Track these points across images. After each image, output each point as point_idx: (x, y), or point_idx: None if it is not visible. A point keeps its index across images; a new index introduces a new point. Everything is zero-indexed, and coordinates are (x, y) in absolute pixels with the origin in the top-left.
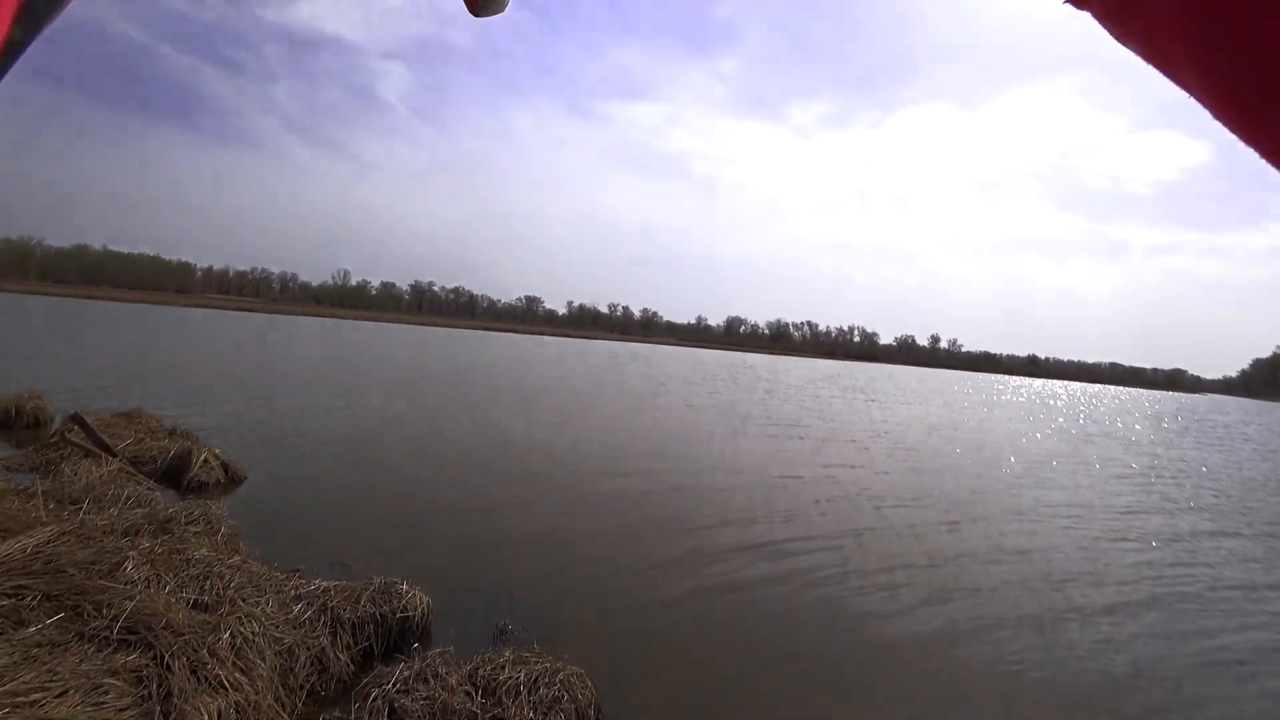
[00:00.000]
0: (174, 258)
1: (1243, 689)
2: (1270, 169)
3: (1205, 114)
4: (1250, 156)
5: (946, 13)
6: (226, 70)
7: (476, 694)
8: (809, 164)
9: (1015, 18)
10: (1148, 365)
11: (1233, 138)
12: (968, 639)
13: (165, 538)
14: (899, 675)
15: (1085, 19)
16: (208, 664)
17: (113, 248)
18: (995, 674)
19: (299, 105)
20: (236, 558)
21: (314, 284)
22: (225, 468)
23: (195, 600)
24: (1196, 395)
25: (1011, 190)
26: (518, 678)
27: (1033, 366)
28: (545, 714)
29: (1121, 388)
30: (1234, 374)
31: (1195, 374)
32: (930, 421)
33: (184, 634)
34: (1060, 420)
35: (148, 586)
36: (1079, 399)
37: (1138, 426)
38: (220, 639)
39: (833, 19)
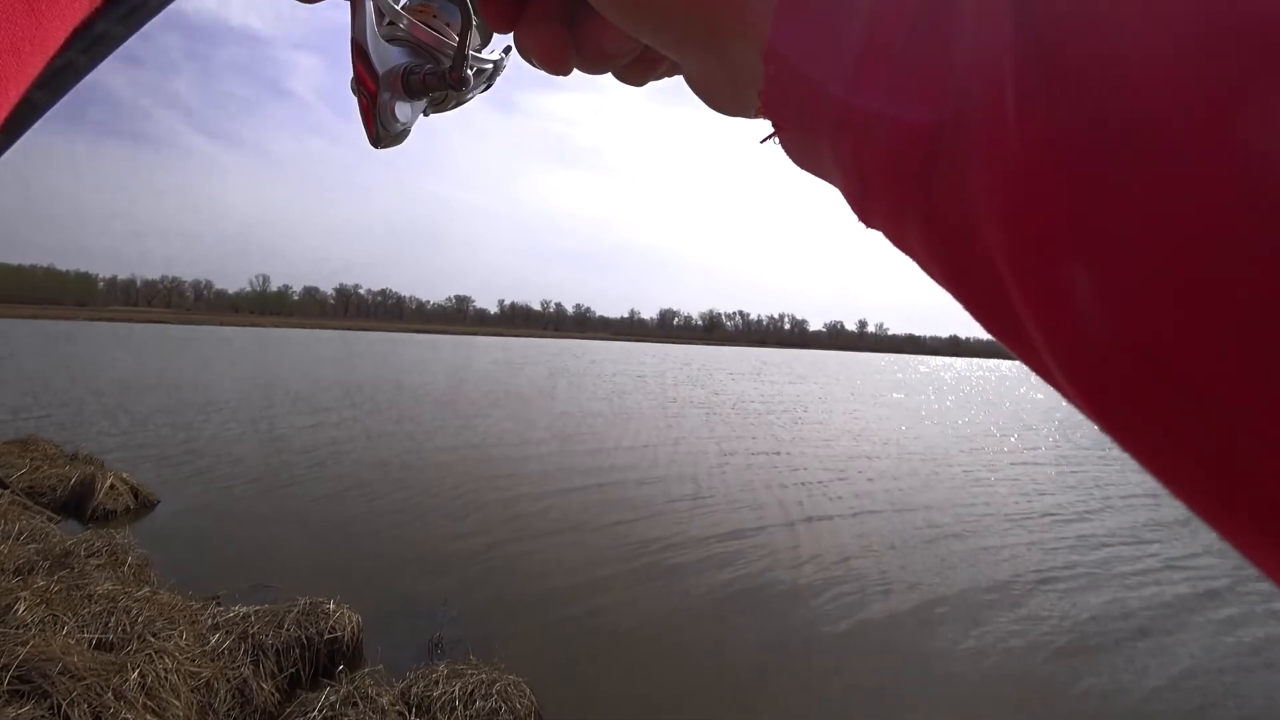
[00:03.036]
0: (71, 268)
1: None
2: None
3: None
4: None
5: None
6: (120, 61)
7: (410, 713)
8: (735, 152)
9: None
10: None
11: None
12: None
13: (63, 573)
14: (849, 674)
15: None
16: (113, 708)
17: None
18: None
19: (203, 100)
20: (145, 589)
21: (231, 291)
22: (135, 493)
23: (99, 640)
24: None
25: None
26: (453, 692)
27: (955, 346)
28: None
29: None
30: None
31: None
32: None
33: (85, 678)
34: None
35: (43, 629)
36: (969, 378)
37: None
38: (127, 679)
39: None
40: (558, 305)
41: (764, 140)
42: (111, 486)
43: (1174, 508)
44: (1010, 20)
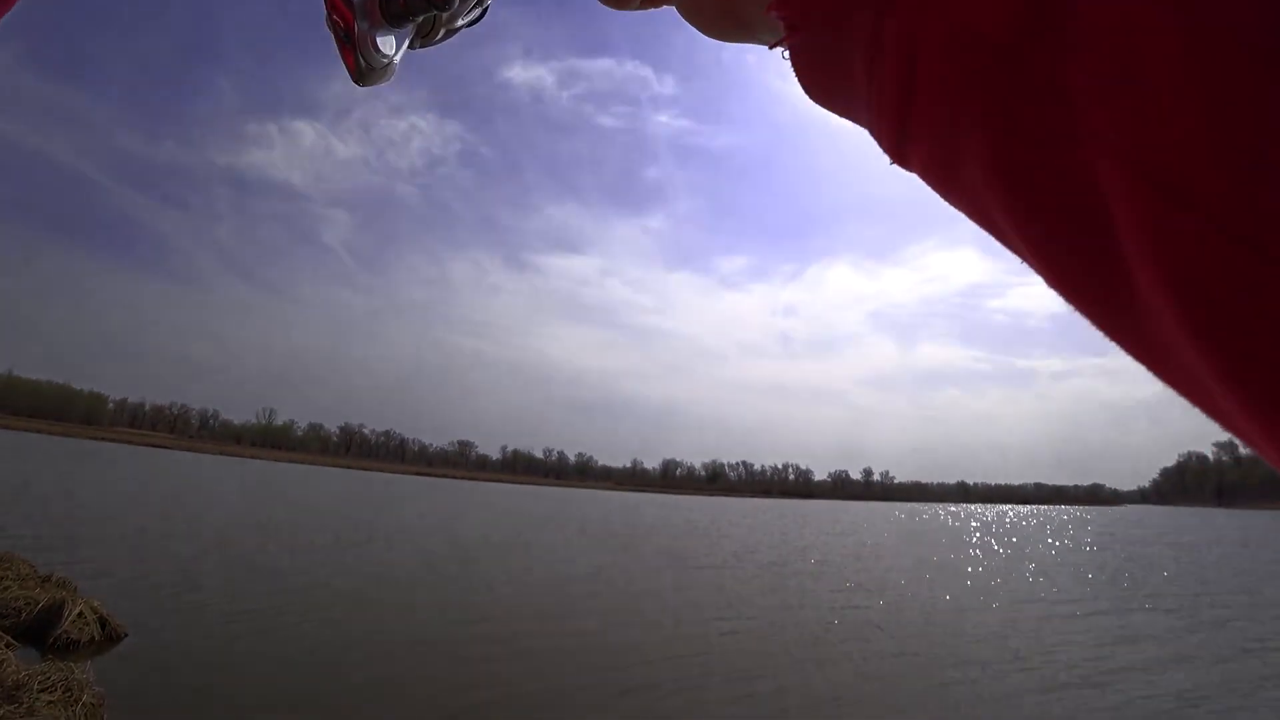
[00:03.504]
0: (86, 387)
1: None
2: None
3: None
4: None
5: (853, 176)
6: (170, 206)
7: None
8: (735, 311)
9: (912, 180)
10: (1069, 483)
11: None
12: None
13: (10, 707)
14: None
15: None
16: None
17: (18, 374)
18: None
19: (240, 245)
20: None
21: (236, 422)
22: (103, 623)
23: None
24: (1114, 507)
25: (923, 330)
26: None
27: (962, 493)
28: None
29: (1047, 506)
30: (1147, 484)
31: (1113, 487)
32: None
33: None
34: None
35: None
36: (990, 522)
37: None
38: None
39: (751, 179)
40: (560, 453)
41: (774, 46)
42: (80, 615)
43: None
44: None
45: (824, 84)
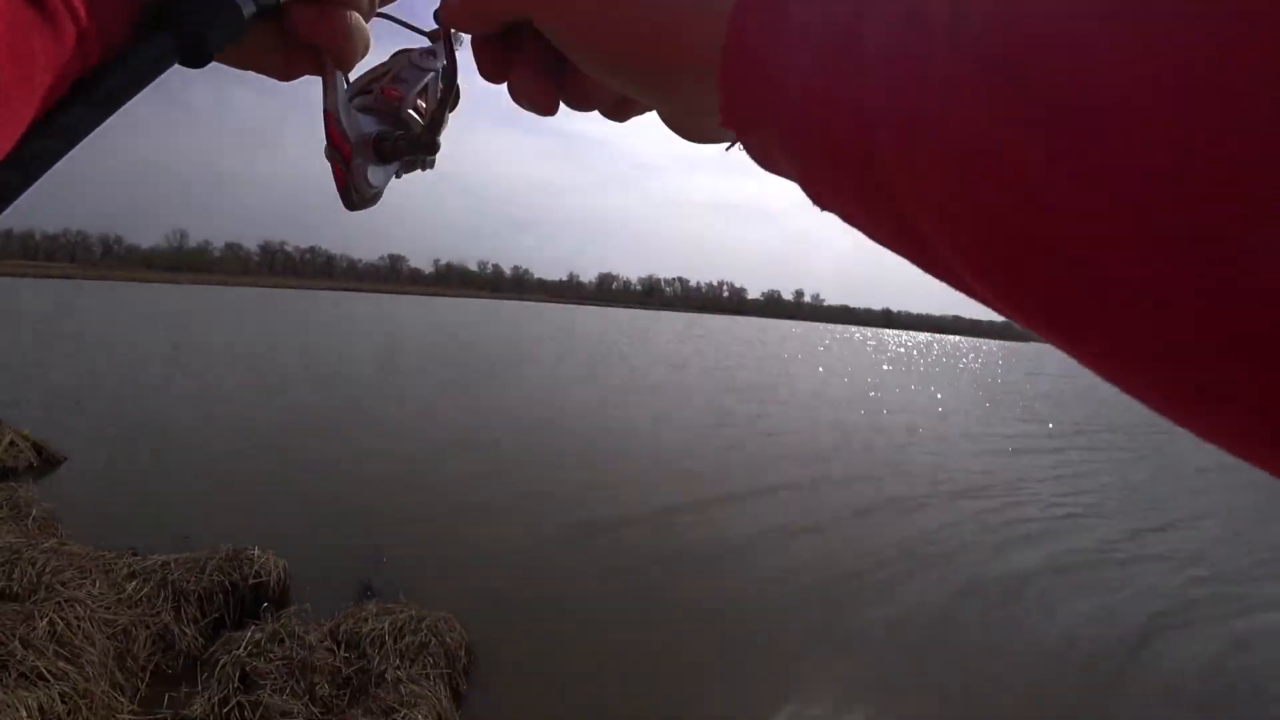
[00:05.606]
0: None
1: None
2: None
3: None
4: None
5: None
6: None
7: (339, 649)
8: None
9: None
10: (984, 318)
11: None
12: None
13: None
14: (794, 628)
15: None
16: (19, 656)
17: None
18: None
19: None
20: (52, 541)
21: (144, 247)
22: (38, 450)
23: (2, 590)
24: (1021, 343)
25: None
26: (382, 628)
27: (886, 319)
28: (413, 660)
29: (961, 337)
30: None
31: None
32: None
33: None
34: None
35: None
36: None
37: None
38: (35, 628)
39: None
40: (495, 266)
41: (729, 148)
42: (11, 443)
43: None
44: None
45: (765, 165)
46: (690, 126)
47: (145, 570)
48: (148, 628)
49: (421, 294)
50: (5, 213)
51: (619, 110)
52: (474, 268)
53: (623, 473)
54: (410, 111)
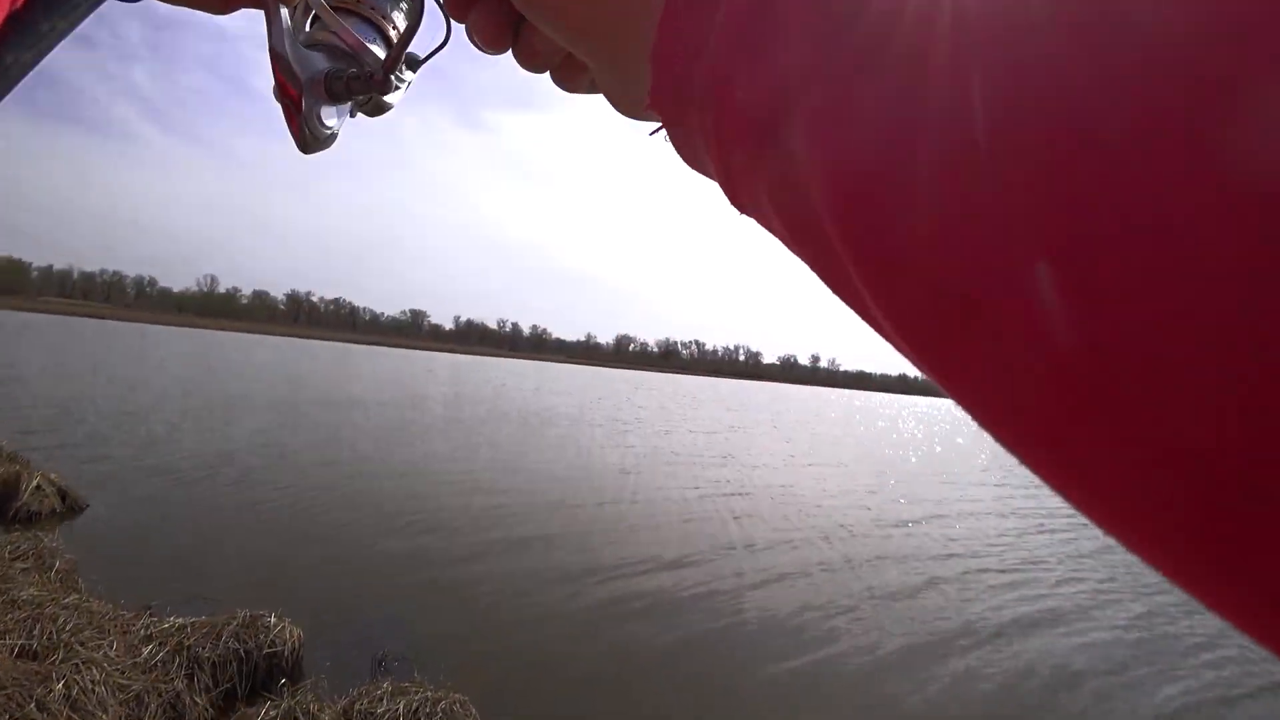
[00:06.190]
0: (2, 253)
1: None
2: None
3: None
4: None
5: None
6: (76, 44)
7: None
8: (697, 183)
9: None
10: None
11: None
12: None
13: None
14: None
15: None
16: (36, 719)
17: None
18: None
19: (162, 92)
20: (74, 596)
21: (176, 290)
22: (62, 495)
23: (21, 647)
24: None
25: None
26: (397, 709)
27: (904, 384)
28: None
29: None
30: None
31: None
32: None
33: (6, 687)
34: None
35: None
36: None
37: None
38: (52, 690)
39: None
40: (514, 325)
41: (653, 134)
42: (38, 487)
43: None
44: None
45: (688, 160)
46: (626, 100)
47: (162, 634)
48: (160, 695)
49: (441, 350)
50: (45, 249)
51: (565, 75)
52: (493, 325)
53: (653, 548)
54: (373, 47)
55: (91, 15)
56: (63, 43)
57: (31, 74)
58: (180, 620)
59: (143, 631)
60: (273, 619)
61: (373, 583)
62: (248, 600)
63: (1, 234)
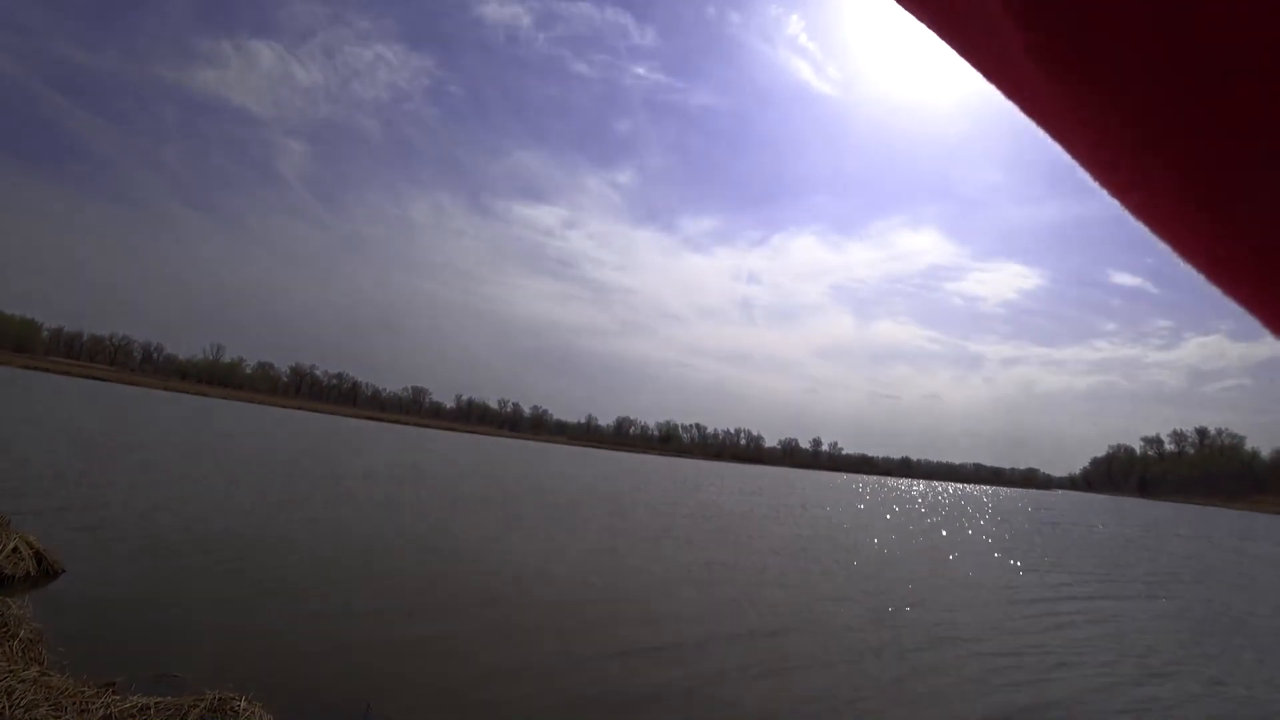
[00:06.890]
0: (16, 313)
1: None
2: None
3: (1038, 244)
4: (1078, 283)
5: (825, 148)
6: (112, 121)
7: None
8: (699, 273)
9: (881, 158)
10: (1007, 465)
11: (1062, 267)
12: None
13: None
14: None
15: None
16: None
17: None
18: None
19: (189, 169)
20: (34, 669)
21: (181, 357)
22: (39, 559)
23: None
24: (1047, 491)
25: (882, 307)
26: None
27: (906, 467)
28: None
29: (984, 485)
30: (1077, 471)
31: (1047, 472)
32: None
33: None
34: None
35: None
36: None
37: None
38: None
39: (724, 142)
40: (515, 405)
41: None
42: (14, 550)
43: None
44: None
45: None
46: None
47: (122, 714)
48: None
49: (441, 428)
50: (56, 312)
51: None
52: (494, 405)
53: (646, 636)
54: None
55: (133, 98)
56: (95, 117)
57: (62, 144)
58: (143, 699)
59: (101, 711)
60: (243, 703)
61: (350, 669)
62: (218, 681)
63: (20, 296)
